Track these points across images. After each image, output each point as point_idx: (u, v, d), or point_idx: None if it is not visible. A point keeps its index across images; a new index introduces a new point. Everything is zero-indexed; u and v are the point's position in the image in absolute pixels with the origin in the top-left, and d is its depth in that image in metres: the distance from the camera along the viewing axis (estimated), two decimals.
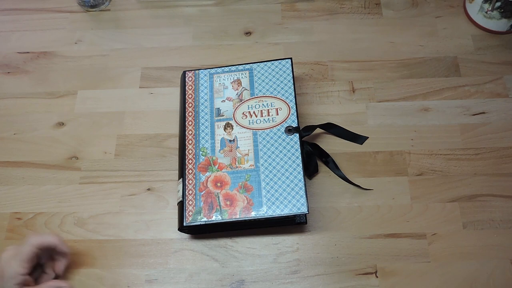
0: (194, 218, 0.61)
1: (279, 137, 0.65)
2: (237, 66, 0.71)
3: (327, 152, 0.70)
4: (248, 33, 0.82)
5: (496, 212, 0.66)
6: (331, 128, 0.71)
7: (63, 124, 0.76)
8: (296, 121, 0.65)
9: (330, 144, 0.72)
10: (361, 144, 0.71)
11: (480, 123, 0.72)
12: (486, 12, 0.77)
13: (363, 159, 0.70)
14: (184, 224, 0.61)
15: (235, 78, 0.70)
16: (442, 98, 0.74)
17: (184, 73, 0.72)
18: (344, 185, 0.69)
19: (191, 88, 0.71)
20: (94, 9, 0.86)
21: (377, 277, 0.63)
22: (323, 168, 0.70)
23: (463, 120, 0.73)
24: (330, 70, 0.78)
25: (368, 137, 0.72)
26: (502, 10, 0.75)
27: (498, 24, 0.78)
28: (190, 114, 0.68)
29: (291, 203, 0.60)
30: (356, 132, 0.72)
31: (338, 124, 0.72)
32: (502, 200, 0.67)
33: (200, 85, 0.71)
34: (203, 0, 0.86)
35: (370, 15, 0.83)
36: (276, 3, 0.85)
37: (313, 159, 0.69)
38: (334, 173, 0.69)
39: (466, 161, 0.70)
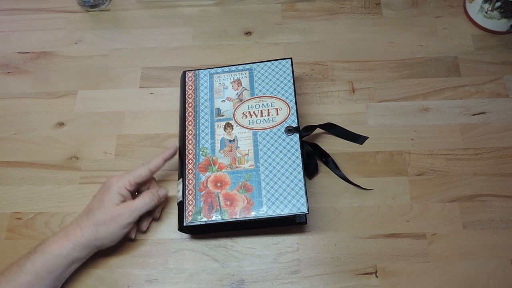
0: (194, 218, 0.61)
1: (279, 137, 0.64)
2: (237, 66, 0.71)
3: (327, 152, 0.70)
4: (248, 33, 0.82)
5: (496, 212, 0.66)
6: (331, 128, 0.71)
7: (63, 124, 0.76)
8: (296, 121, 0.65)
9: (330, 144, 0.72)
10: (361, 144, 0.71)
11: (480, 123, 0.72)
12: (486, 12, 0.77)
13: (363, 159, 0.70)
14: (184, 224, 0.61)
15: (235, 78, 0.70)
16: (442, 98, 0.74)
17: (184, 73, 0.72)
18: (344, 185, 0.69)
19: (191, 88, 0.71)
20: (94, 9, 0.86)
21: (377, 277, 0.63)
22: (323, 168, 0.70)
23: (463, 120, 0.73)
24: (330, 70, 0.78)
25: (368, 137, 0.72)
26: (502, 10, 0.75)
27: (498, 24, 0.78)
28: (190, 114, 0.68)
29: (291, 203, 0.60)
30: (356, 132, 0.72)
31: (338, 124, 0.72)
32: (502, 200, 0.67)
33: (200, 85, 0.71)
34: (203, 0, 0.86)
35: (370, 15, 0.83)
36: (276, 3, 0.85)
37: (313, 159, 0.69)
38: (334, 173, 0.69)
39: (466, 161, 0.70)
